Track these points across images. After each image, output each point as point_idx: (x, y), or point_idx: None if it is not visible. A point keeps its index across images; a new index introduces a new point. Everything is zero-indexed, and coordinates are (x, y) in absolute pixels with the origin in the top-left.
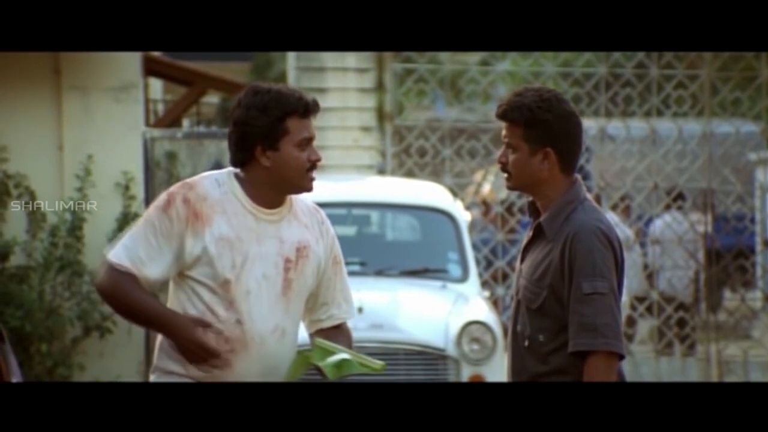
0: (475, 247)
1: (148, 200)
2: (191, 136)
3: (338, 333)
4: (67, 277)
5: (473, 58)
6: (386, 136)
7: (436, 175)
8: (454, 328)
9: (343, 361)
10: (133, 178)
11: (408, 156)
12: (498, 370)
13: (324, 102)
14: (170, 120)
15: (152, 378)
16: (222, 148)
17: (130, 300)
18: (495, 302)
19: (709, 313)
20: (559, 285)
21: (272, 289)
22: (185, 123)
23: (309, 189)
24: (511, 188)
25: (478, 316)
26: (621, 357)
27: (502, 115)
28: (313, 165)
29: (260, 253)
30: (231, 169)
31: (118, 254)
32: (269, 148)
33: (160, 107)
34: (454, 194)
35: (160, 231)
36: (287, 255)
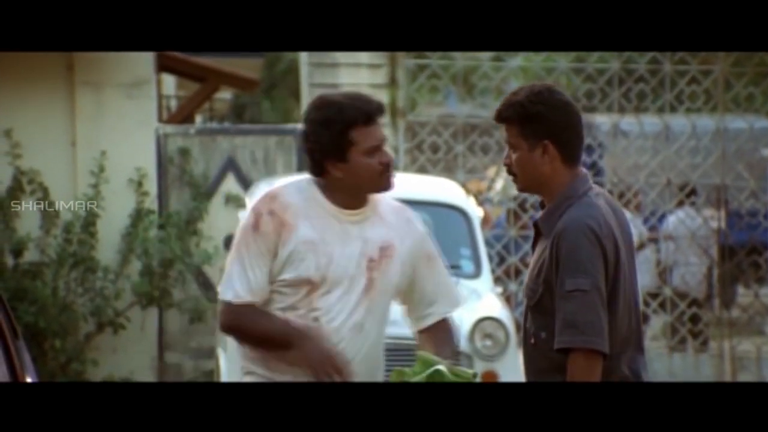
0: (487, 243)
1: (160, 196)
2: (204, 132)
3: (439, 330)
4: (80, 273)
5: (486, 53)
6: (399, 132)
7: (448, 171)
8: (467, 324)
9: (435, 372)
10: (146, 174)
11: (420, 152)
12: (511, 366)
13: None
14: (183, 116)
15: (244, 378)
16: (235, 144)
17: (253, 332)
18: (508, 298)
19: (722, 310)
20: (552, 281)
21: (355, 289)
22: (198, 119)
23: (387, 188)
24: (519, 190)
25: (491, 312)
26: (604, 355)
27: (498, 117)
28: (384, 167)
29: (344, 254)
30: (310, 177)
31: (234, 291)
32: (338, 161)
33: (173, 103)
34: (467, 190)
35: (260, 251)
36: (370, 255)
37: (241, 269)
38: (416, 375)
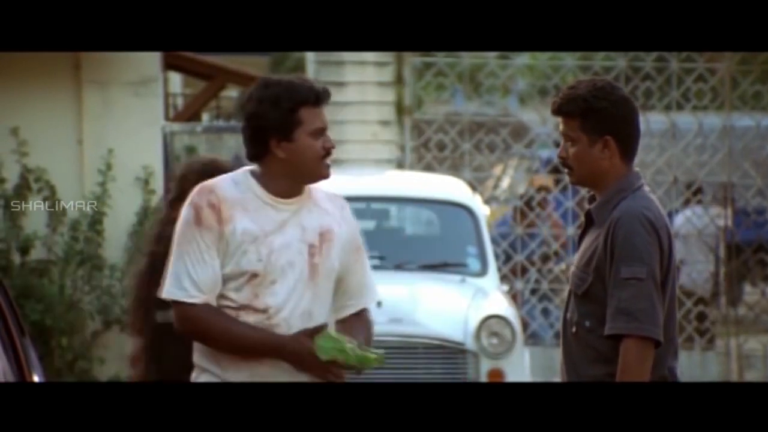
0: (494, 241)
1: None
2: (211, 130)
3: (358, 320)
4: (87, 271)
5: (492, 51)
6: (405, 130)
7: (455, 169)
8: (473, 322)
9: (340, 352)
10: (152, 172)
11: (427, 150)
12: (517, 365)
13: (343, 96)
14: (190, 114)
15: (192, 376)
16: (241, 142)
17: (227, 337)
18: (514, 296)
19: (729, 308)
20: (604, 270)
21: (299, 276)
22: (205, 117)
23: (326, 176)
24: (573, 183)
25: (498, 310)
26: (657, 343)
27: (558, 110)
28: (327, 152)
29: (284, 242)
30: (246, 168)
31: (185, 290)
32: (284, 140)
33: (180, 101)
34: (473, 188)
35: (206, 245)
36: (310, 241)
37: (185, 267)
38: (323, 346)
